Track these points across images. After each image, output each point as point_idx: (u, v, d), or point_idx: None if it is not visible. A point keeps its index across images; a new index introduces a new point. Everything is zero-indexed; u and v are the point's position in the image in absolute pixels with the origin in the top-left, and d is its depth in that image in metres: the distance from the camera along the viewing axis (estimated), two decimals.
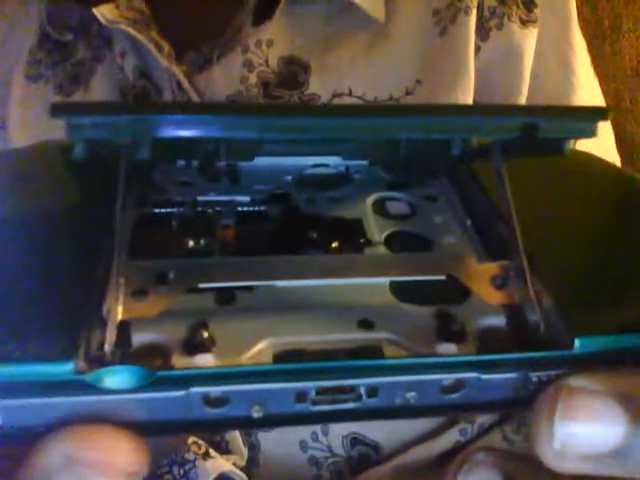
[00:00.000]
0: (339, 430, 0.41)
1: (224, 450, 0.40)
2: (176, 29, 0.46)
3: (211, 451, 0.38)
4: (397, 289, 0.21)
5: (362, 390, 0.18)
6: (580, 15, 0.49)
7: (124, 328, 0.19)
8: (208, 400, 0.18)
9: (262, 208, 0.25)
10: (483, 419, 0.42)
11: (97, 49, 0.48)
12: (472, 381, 0.18)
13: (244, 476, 0.39)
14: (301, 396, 0.18)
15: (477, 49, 0.46)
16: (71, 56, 0.48)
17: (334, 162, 0.28)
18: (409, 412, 0.19)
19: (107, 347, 0.18)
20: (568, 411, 0.17)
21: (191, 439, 0.38)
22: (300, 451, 0.41)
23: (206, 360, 0.18)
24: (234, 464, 0.39)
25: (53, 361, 0.16)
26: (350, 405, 0.18)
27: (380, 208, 0.26)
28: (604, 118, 0.19)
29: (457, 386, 0.18)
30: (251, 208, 0.25)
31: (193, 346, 0.18)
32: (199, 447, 0.38)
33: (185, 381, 0.17)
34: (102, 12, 0.44)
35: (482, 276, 0.21)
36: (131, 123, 0.17)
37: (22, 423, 0.17)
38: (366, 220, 0.25)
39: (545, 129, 0.19)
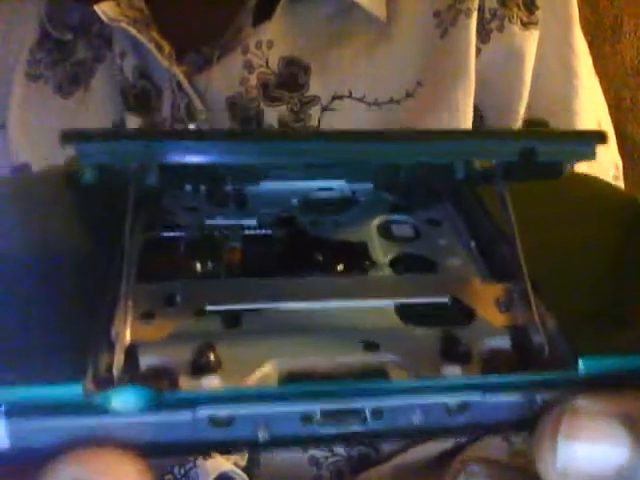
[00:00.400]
0: None
1: (224, 450, 0.40)
2: (176, 29, 0.46)
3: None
4: (402, 311, 0.21)
5: (367, 412, 0.18)
6: (581, 15, 0.49)
7: (132, 351, 0.19)
8: (214, 421, 0.18)
9: (268, 231, 0.26)
10: None
11: (97, 49, 0.48)
12: (477, 403, 0.18)
13: (245, 476, 0.39)
14: (306, 418, 0.18)
15: (478, 51, 0.45)
16: (71, 56, 0.48)
17: (339, 186, 0.28)
18: (414, 433, 0.19)
19: (115, 370, 0.18)
20: (571, 431, 0.17)
21: None
22: (300, 451, 0.41)
23: (212, 382, 0.18)
24: (235, 464, 0.39)
25: (61, 383, 0.17)
26: (355, 427, 0.18)
27: (385, 231, 0.26)
28: (602, 142, 0.19)
29: (462, 408, 0.19)
30: (257, 231, 0.26)
31: (200, 368, 0.18)
32: None
33: (192, 403, 0.18)
34: (103, 9, 0.44)
35: (486, 298, 0.21)
36: (139, 149, 0.18)
37: (30, 444, 0.17)
38: (371, 243, 0.25)
39: (544, 153, 0.19)
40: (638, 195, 0.30)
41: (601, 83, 0.52)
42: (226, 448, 0.19)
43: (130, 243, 0.21)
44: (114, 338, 0.18)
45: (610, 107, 0.53)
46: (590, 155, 0.19)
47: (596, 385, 0.18)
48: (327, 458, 0.41)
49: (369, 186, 0.29)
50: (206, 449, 0.19)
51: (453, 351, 0.20)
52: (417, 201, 0.27)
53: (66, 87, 0.48)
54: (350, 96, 0.45)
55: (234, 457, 0.40)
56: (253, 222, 0.26)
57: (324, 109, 0.45)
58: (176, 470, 0.40)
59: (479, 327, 0.21)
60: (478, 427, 0.19)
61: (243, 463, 0.40)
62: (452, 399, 0.18)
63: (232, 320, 0.21)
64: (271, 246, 0.25)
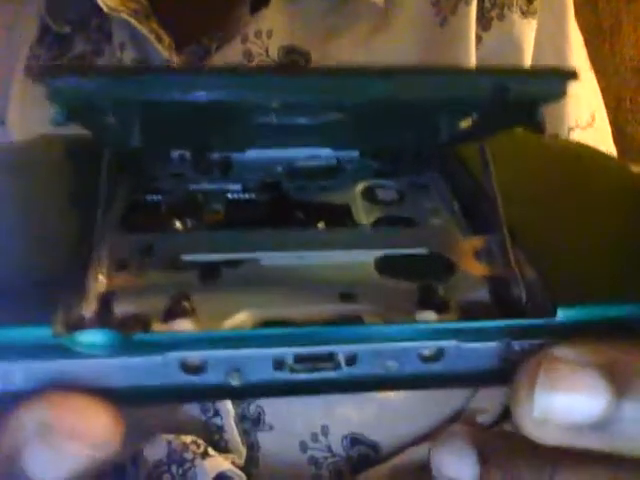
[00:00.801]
0: (339, 430, 0.41)
1: (223, 449, 0.40)
2: (175, 20, 0.45)
3: (210, 450, 0.38)
4: (381, 265, 0.21)
5: (341, 358, 0.18)
6: (580, 15, 0.49)
7: (106, 299, 0.19)
8: (185, 366, 0.17)
9: (252, 195, 0.26)
10: (483, 419, 0.42)
11: (96, 43, 0.48)
12: (452, 349, 0.18)
13: (243, 475, 0.39)
14: (279, 363, 0.18)
15: (479, 39, 0.46)
16: (70, 50, 0.48)
17: (325, 153, 0.28)
18: (389, 383, 0.19)
19: (86, 313, 0.18)
20: (549, 380, 0.16)
21: (190, 438, 0.38)
22: (300, 451, 0.41)
23: (184, 325, 0.18)
24: (233, 463, 0.39)
25: (31, 324, 0.16)
26: (330, 374, 0.18)
27: (369, 194, 0.26)
28: (573, 78, 0.19)
29: (437, 355, 0.18)
30: (241, 195, 0.25)
31: (172, 315, 0.18)
32: (198, 446, 0.38)
33: (162, 346, 0.17)
34: (104, 0, 0.44)
35: (465, 250, 0.21)
36: (114, 87, 0.17)
37: (0, 388, 0.17)
38: (354, 205, 0.25)
39: (516, 89, 0.19)
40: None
41: (600, 83, 0.52)
42: (198, 395, 0.18)
43: (111, 203, 0.21)
44: (88, 285, 0.18)
45: (609, 107, 0.53)
46: (561, 91, 0.19)
47: (574, 334, 0.18)
48: (326, 458, 0.41)
49: (355, 154, 0.28)
50: (177, 396, 0.18)
51: (430, 300, 0.19)
52: (402, 167, 0.27)
53: None
54: None
55: (232, 456, 0.40)
56: (237, 187, 0.26)
57: None
58: (174, 469, 0.40)
59: (458, 278, 0.21)
60: (453, 376, 0.19)
61: (241, 462, 0.40)
62: (426, 345, 0.18)
63: (209, 272, 0.20)
64: (254, 209, 0.25)
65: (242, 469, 0.39)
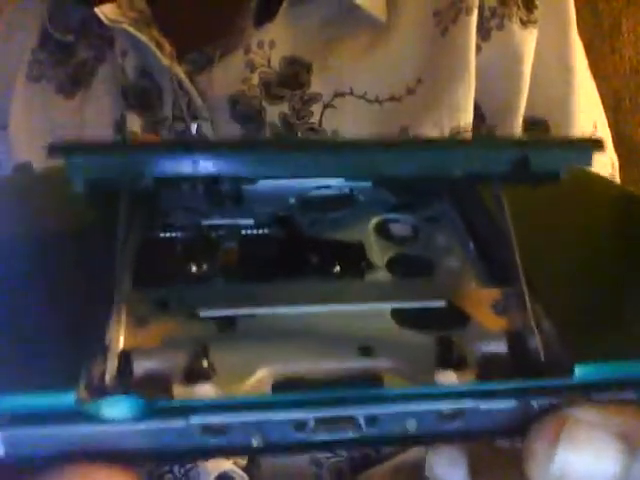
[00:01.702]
0: None
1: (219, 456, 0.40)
2: (178, 29, 0.46)
3: None
4: (398, 315, 0.21)
5: (361, 420, 0.18)
6: (580, 16, 0.49)
7: (125, 357, 0.19)
8: (208, 429, 0.18)
9: (265, 231, 0.26)
10: None
11: (98, 49, 0.48)
12: (471, 409, 0.18)
13: (245, 476, 0.39)
14: (300, 426, 0.18)
15: (478, 49, 0.46)
16: (72, 56, 0.48)
17: (337, 183, 0.28)
18: (408, 441, 0.19)
19: (108, 377, 0.18)
20: (572, 440, 0.17)
21: None
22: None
23: (206, 390, 0.18)
24: (235, 463, 0.39)
25: (54, 391, 0.17)
26: (349, 434, 0.18)
27: (383, 230, 0.26)
28: (599, 149, 0.19)
29: (456, 414, 0.18)
30: (254, 231, 0.26)
31: (193, 375, 0.18)
32: None
33: (185, 411, 0.17)
34: (104, 12, 0.44)
35: (482, 302, 0.21)
36: (129, 164, 0.18)
37: (24, 453, 0.17)
38: (368, 243, 0.25)
39: (537, 163, 0.19)
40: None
41: (600, 84, 0.52)
42: (220, 455, 0.18)
43: (125, 246, 0.21)
44: (108, 345, 0.18)
45: (609, 108, 0.54)
46: (587, 163, 0.19)
47: (593, 392, 0.18)
48: (328, 458, 0.41)
49: (368, 184, 0.28)
50: (200, 456, 0.18)
51: (448, 356, 0.19)
52: (416, 200, 0.27)
53: (68, 87, 0.48)
54: (351, 93, 0.45)
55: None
56: (250, 222, 0.26)
57: (326, 106, 0.45)
58: (176, 469, 0.40)
59: (475, 331, 0.21)
60: (471, 433, 0.19)
61: (243, 463, 0.40)
62: (446, 406, 0.18)
63: (226, 325, 0.21)
64: (268, 247, 0.25)
65: (244, 469, 0.40)
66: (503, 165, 0.19)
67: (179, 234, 0.25)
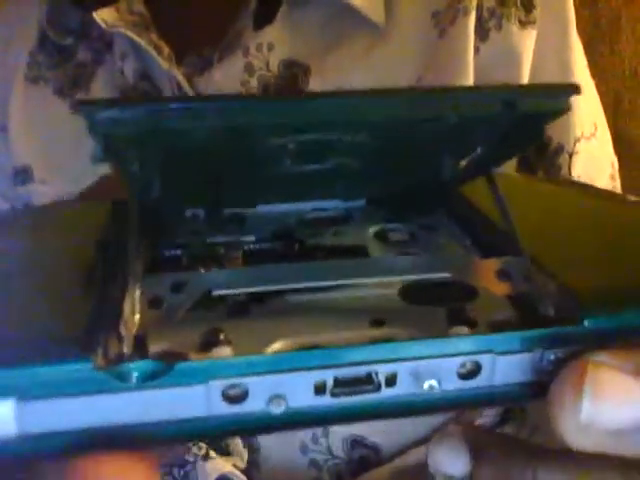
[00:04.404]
0: (339, 432, 0.41)
1: (224, 452, 0.40)
2: (177, 32, 0.46)
3: (211, 452, 0.39)
4: (406, 293, 0.22)
5: (380, 378, 0.18)
6: (579, 16, 0.49)
7: (140, 337, 0.19)
8: (227, 395, 0.18)
9: (267, 245, 0.26)
10: (483, 421, 0.42)
11: (98, 52, 0.48)
12: (488, 363, 0.19)
13: (244, 478, 0.39)
14: (320, 387, 0.18)
15: (477, 50, 0.46)
16: (71, 59, 0.48)
17: (334, 205, 0.29)
18: (430, 404, 0.19)
19: (125, 345, 0.18)
20: (597, 385, 0.17)
21: None
22: (300, 453, 0.41)
23: (225, 352, 0.18)
24: (234, 466, 0.39)
25: (72, 360, 0.17)
26: (370, 396, 0.18)
27: (382, 237, 0.27)
28: (576, 92, 0.20)
29: (475, 371, 0.19)
30: (257, 245, 0.26)
31: (210, 344, 0.19)
32: (199, 448, 0.38)
33: (204, 372, 0.17)
34: (102, 16, 0.44)
35: (487, 271, 0.22)
36: (145, 113, 0.18)
37: (38, 429, 0.17)
38: (370, 246, 0.26)
39: (523, 104, 0.19)
40: (636, 197, 0.30)
41: (599, 84, 0.52)
42: (239, 429, 0.18)
43: (136, 252, 0.22)
44: (123, 324, 0.19)
45: (608, 108, 0.53)
46: (567, 105, 0.20)
47: (603, 339, 0.18)
48: (327, 461, 0.41)
49: (362, 202, 0.29)
50: (219, 429, 0.18)
51: (460, 317, 0.20)
52: (409, 211, 0.28)
53: (67, 89, 0.48)
54: None
55: (233, 459, 0.40)
56: (252, 238, 0.27)
57: None
58: (175, 471, 0.40)
59: (482, 300, 0.21)
60: (491, 393, 0.19)
61: (242, 465, 0.40)
62: (463, 359, 0.18)
63: (240, 306, 0.21)
64: (272, 254, 0.26)
65: (243, 471, 0.40)
66: (493, 106, 0.20)
67: (185, 251, 0.26)
